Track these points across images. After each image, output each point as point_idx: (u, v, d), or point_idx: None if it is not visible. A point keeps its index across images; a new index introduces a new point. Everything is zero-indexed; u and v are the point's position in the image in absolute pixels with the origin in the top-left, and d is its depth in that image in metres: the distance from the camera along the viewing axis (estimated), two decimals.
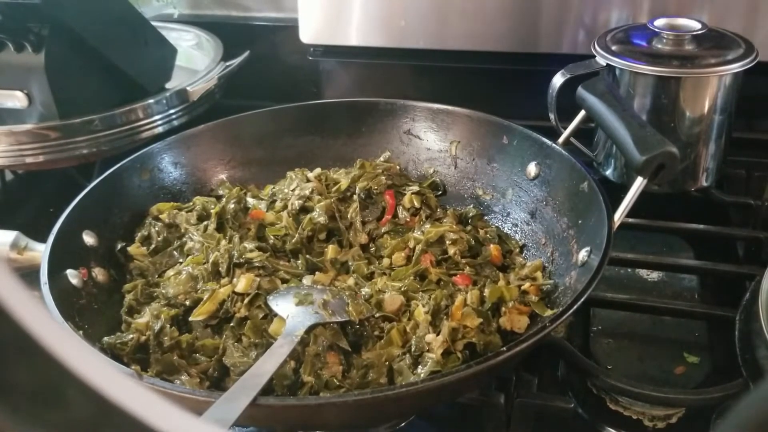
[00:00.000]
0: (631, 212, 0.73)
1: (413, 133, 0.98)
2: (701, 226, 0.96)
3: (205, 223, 0.85)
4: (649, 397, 0.70)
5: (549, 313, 0.72)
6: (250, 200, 0.90)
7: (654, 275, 0.95)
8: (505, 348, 0.59)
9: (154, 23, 1.19)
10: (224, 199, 0.88)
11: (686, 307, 0.85)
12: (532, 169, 0.87)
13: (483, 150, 0.93)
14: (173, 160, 0.93)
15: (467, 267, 0.80)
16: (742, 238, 0.96)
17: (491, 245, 0.84)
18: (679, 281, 0.94)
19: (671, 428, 0.74)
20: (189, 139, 0.95)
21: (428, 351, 0.67)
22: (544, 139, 0.85)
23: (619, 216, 0.71)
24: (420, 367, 0.66)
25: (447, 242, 0.82)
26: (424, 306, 0.71)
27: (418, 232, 0.84)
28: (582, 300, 0.62)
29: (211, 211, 0.85)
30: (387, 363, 0.67)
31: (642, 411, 0.75)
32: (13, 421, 0.18)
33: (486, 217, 0.91)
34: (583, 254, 0.73)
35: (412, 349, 0.68)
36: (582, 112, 0.85)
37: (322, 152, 0.99)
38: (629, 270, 0.95)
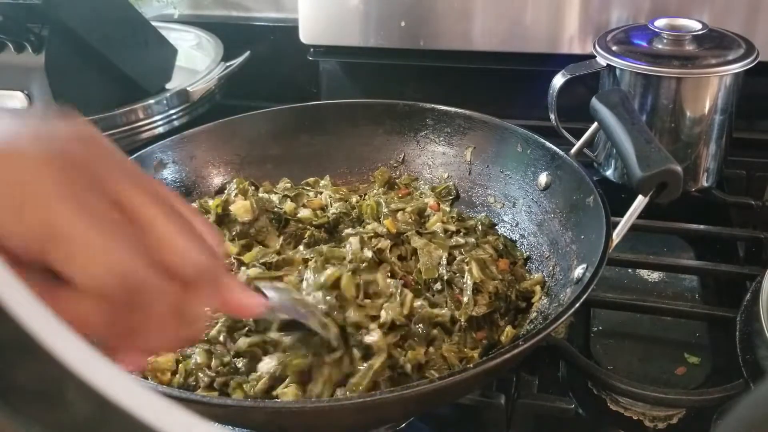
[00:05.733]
0: None
1: (430, 137, 0.97)
2: (702, 227, 0.96)
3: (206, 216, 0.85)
4: (649, 398, 0.70)
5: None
6: (264, 195, 0.90)
7: (654, 276, 0.95)
8: (505, 349, 0.59)
9: (154, 23, 1.19)
10: (226, 193, 0.88)
11: (687, 307, 0.85)
12: (543, 179, 0.85)
13: (497, 157, 0.91)
14: (174, 160, 0.92)
15: None
16: (742, 238, 0.96)
17: (499, 259, 0.82)
18: (680, 282, 0.94)
19: (672, 429, 0.74)
20: (191, 139, 0.94)
21: None
22: (557, 150, 0.84)
23: (617, 235, 0.69)
24: None
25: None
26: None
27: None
28: (568, 314, 0.61)
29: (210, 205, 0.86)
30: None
31: (642, 412, 0.75)
32: (13, 421, 0.18)
33: (495, 227, 0.89)
34: (579, 271, 0.71)
35: None
36: (594, 124, 0.83)
37: (339, 152, 0.99)
38: (629, 270, 0.95)
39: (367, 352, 0.65)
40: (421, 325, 0.70)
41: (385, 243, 0.79)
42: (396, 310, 0.69)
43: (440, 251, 0.78)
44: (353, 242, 0.78)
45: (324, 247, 0.79)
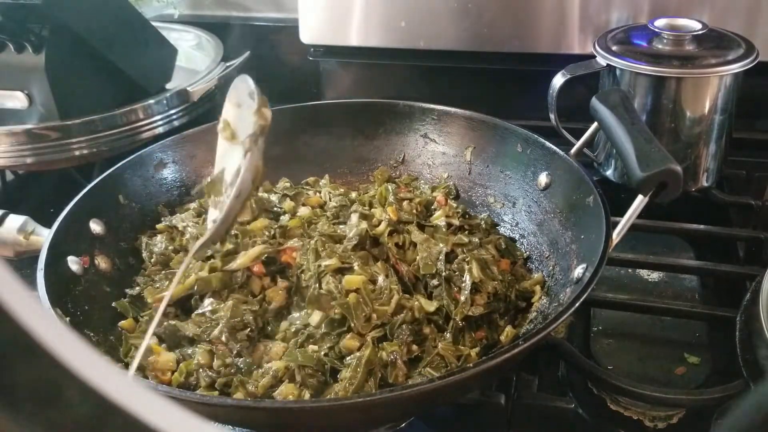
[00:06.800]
0: None
1: (430, 137, 0.97)
2: (702, 227, 0.96)
3: (204, 216, 0.85)
4: (649, 398, 0.70)
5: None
6: (263, 195, 0.91)
7: (654, 275, 0.95)
8: (504, 349, 0.59)
9: (154, 23, 1.19)
10: None
11: (687, 307, 0.85)
12: (543, 179, 0.85)
13: (497, 157, 0.92)
14: (174, 160, 0.92)
15: None
16: (742, 238, 0.96)
17: (501, 260, 0.82)
18: (680, 282, 0.94)
19: (672, 428, 0.74)
20: (191, 139, 0.94)
21: None
22: (557, 149, 0.84)
23: (617, 234, 0.69)
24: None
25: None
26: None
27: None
28: (568, 314, 0.61)
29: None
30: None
31: (642, 411, 0.75)
32: (13, 421, 0.18)
33: (497, 227, 0.90)
34: (579, 271, 0.71)
35: None
36: (594, 124, 0.83)
37: (339, 152, 1.00)
38: (630, 270, 0.95)
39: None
40: (405, 323, 0.70)
41: (383, 227, 0.79)
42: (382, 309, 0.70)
43: (440, 245, 0.78)
44: (353, 217, 0.80)
45: (325, 225, 0.81)
